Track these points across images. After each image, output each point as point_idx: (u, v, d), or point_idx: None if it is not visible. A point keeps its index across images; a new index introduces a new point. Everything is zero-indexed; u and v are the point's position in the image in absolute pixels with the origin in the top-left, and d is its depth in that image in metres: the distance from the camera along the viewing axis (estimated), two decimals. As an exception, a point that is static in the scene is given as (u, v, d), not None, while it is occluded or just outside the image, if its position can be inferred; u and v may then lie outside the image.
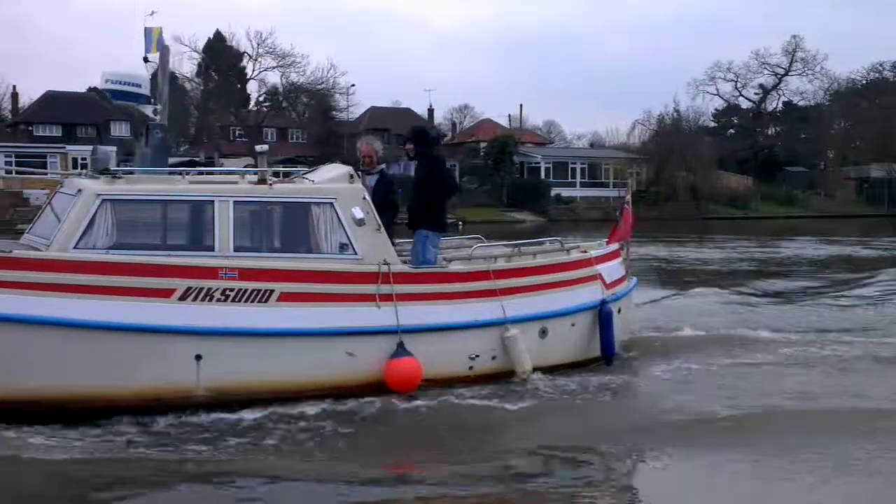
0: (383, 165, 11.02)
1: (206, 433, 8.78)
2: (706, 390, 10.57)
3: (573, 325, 11.11)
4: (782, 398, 10.26)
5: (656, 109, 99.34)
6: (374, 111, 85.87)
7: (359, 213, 9.84)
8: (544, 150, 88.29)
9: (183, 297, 8.96)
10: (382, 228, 10.01)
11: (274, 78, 73.18)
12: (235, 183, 9.84)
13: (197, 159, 60.64)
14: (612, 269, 11.90)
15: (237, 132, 79.07)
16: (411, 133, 11.42)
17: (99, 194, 9.08)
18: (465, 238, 12.10)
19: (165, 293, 8.91)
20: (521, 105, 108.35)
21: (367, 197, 10.06)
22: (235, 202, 9.45)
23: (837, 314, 17.01)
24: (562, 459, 8.61)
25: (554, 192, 75.27)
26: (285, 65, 71.51)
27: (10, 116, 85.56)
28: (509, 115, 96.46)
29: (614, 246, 12.39)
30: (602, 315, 11.22)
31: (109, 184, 9.26)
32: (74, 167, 56.94)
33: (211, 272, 9.10)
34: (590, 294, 11.28)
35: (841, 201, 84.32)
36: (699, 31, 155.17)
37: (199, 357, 9.01)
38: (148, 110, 9.85)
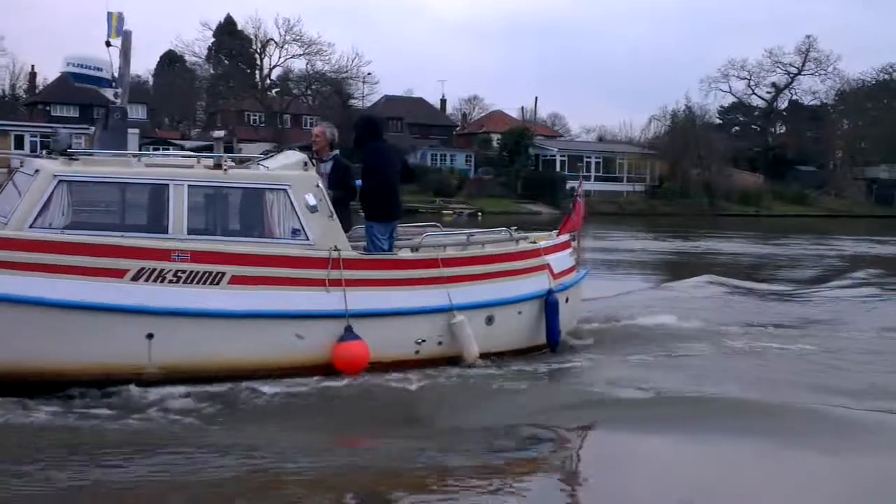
0: (337, 151, 11.24)
1: (153, 407, 9.05)
2: (640, 375, 10.98)
3: (519, 312, 11.42)
4: (711, 385, 10.73)
5: (662, 104, 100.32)
6: (388, 100, 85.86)
7: (312, 200, 10.08)
8: (559, 143, 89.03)
9: (135, 278, 9.19)
10: (335, 215, 10.26)
11: (300, 64, 72.97)
12: (191, 167, 10.08)
13: (219, 140, 61.22)
14: (560, 260, 12.20)
15: (259, 118, 78.92)
16: (354, 125, 11.66)
17: (56, 175, 9.28)
18: (425, 225, 12.35)
19: (118, 273, 9.14)
20: (535, 98, 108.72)
21: (321, 184, 10.31)
22: (190, 186, 9.67)
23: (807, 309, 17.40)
24: (505, 435, 8.90)
25: (568, 185, 75.29)
26: (311, 52, 71.14)
27: (24, 96, 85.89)
28: (522, 108, 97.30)
29: (564, 237, 12.69)
30: (548, 304, 11.54)
31: (66, 165, 9.47)
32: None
33: (163, 254, 9.33)
34: (537, 283, 11.58)
35: (850, 201, 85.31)
36: (703, 25, 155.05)
37: (150, 336, 9.27)
38: (109, 93, 10.04)
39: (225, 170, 10.00)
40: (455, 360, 10.73)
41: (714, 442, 8.94)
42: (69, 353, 9.02)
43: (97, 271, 9.08)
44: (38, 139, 59.69)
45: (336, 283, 10.03)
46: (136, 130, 65.23)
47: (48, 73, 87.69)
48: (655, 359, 11.84)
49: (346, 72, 73.96)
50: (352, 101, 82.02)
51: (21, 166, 10.06)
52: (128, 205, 9.94)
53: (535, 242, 12.05)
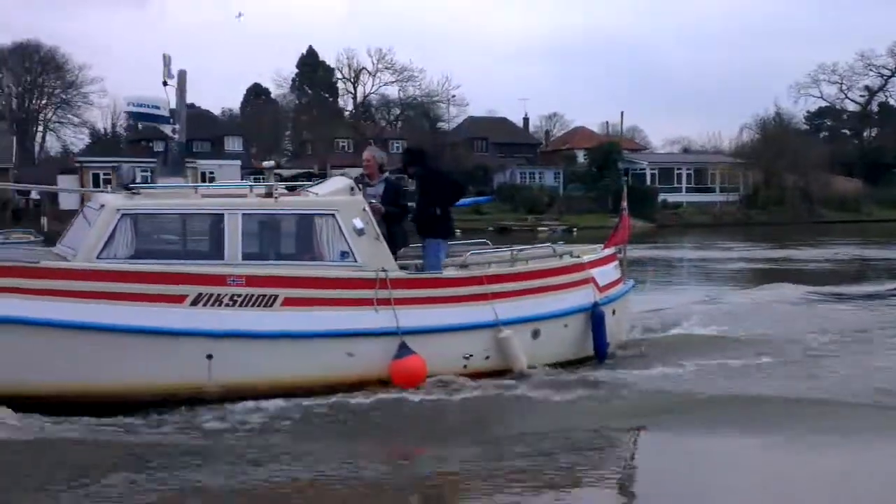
0: (387, 173, 11.72)
1: (221, 422, 9.57)
2: (693, 383, 11.20)
3: (566, 325, 11.71)
4: (767, 390, 10.87)
5: (743, 113, 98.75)
6: (471, 121, 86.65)
7: (359, 224, 10.56)
8: (649, 156, 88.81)
9: (194, 303, 9.78)
10: (382, 237, 10.72)
11: (392, 91, 74.62)
12: (244, 196, 10.67)
13: (312, 171, 62.85)
14: (605, 273, 12.45)
15: (347, 144, 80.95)
16: (402, 155, 12.15)
17: (119, 209, 9.96)
18: (473, 243, 12.73)
19: (178, 299, 9.73)
20: (621, 112, 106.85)
21: (367, 208, 10.78)
22: (244, 214, 10.25)
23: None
24: (561, 442, 9.27)
25: (660, 197, 75.69)
26: (403, 79, 72.68)
27: (124, 134, 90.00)
28: (607, 123, 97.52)
29: (610, 251, 12.90)
30: (595, 316, 11.80)
31: (129, 199, 10.14)
32: (203, 180, 60.16)
33: (220, 279, 9.90)
34: (582, 297, 11.86)
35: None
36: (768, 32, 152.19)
37: (210, 356, 9.82)
38: (167, 129, 10.73)
39: (276, 198, 10.55)
40: (503, 375, 11.02)
41: (762, 441, 9.16)
42: (135, 374, 9.61)
43: (159, 297, 9.68)
44: (148, 174, 62.16)
45: (384, 302, 10.45)
46: (238, 162, 67.69)
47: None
48: (705, 366, 11.95)
49: (437, 95, 75.05)
50: (439, 124, 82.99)
51: (90, 201, 10.79)
52: (187, 233, 10.55)
53: (578, 257, 12.30)
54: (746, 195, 79.71)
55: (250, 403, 9.87)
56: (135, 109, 10.64)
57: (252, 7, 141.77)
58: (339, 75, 73.65)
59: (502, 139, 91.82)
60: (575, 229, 63.19)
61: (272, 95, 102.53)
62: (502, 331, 10.97)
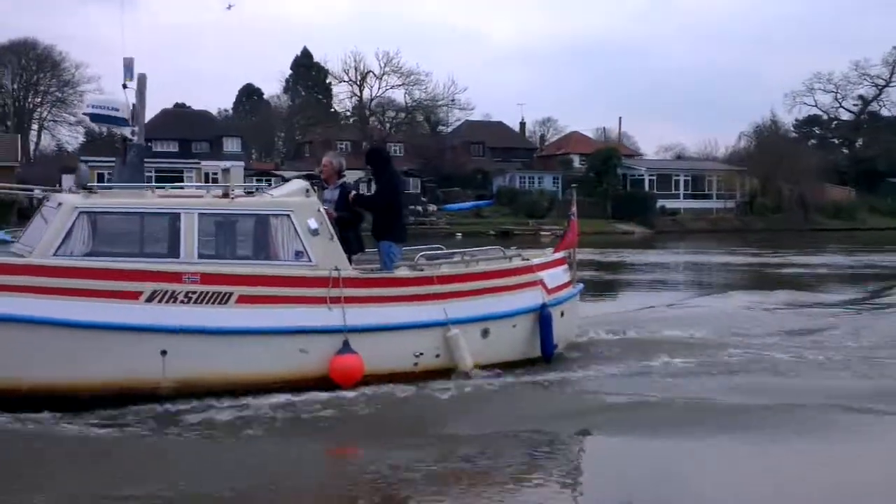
0: (344, 179, 12.02)
1: (173, 419, 9.78)
2: (638, 384, 11.51)
3: (514, 326, 12.00)
4: (698, 391, 11.20)
5: (737, 120, 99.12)
6: (469, 124, 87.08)
7: (313, 224, 10.84)
8: (647, 162, 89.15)
9: (150, 299, 10.02)
10: (336, 238, 11.00)
11: (398, 94, 74.92)
12: (201, 196, 10.95)
13: (312, 172, 63.14)
14: (554, 276, 12.75)
15: (346, 147, 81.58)
16: (366, 155, 12.44)
17: (76, 207, 10.19)
18: (430, 247, 13.00)
19: (133, 295, 9.98)
20: (619, 118, 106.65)
21: (322, 209, 11.06)
22: (200, 214, 10.52)
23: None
24: (503, 442, 9.49)
25: (658, 203, 76.39)
26: (410, 83, 73.04)
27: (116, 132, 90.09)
28: (604, 129, 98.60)
29: (559, 255, 13.18)
30: (542, 317, 12.09)
31: (86, 198, 10.39)
32: (207, 181, 60.76)
33: (175, 276, 10.15)
34: (531, 298, 12.15)
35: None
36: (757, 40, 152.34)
37: (164, 352, 10.05)
38: (126, 132, 11.01)
39: (232, 198, 10.83)
40: (453, 372, 11.30)
41: (704, 443, 9.42)
42: (90, 370, 9.81)
43: (114, 294, 9.92)
44: (152, 174, 62.68)
45: (337, 300, 10.73)
46: (241, 164, 68.17)
47: (149, 112, 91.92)
48: (652, 368, 12.30)
49: (442, 99, 75.41)
50: (440, 128, 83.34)
51: (47, 201, 11.06)
52: (144, 233, 10.77)
53: (528, 260, 12.58)
54: (743, 202, 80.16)
55: (200, 402, 10.07)
56: (94, 111, 10.93)
57: (246, 6, 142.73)
58: (344, 77, 73.85)
59: (499, 143, 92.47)
60: None
61: (265, 96, 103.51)
62: (450, 329, 11.25)
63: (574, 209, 13.56)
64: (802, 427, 9.89)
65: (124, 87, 10.86)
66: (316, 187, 11.57)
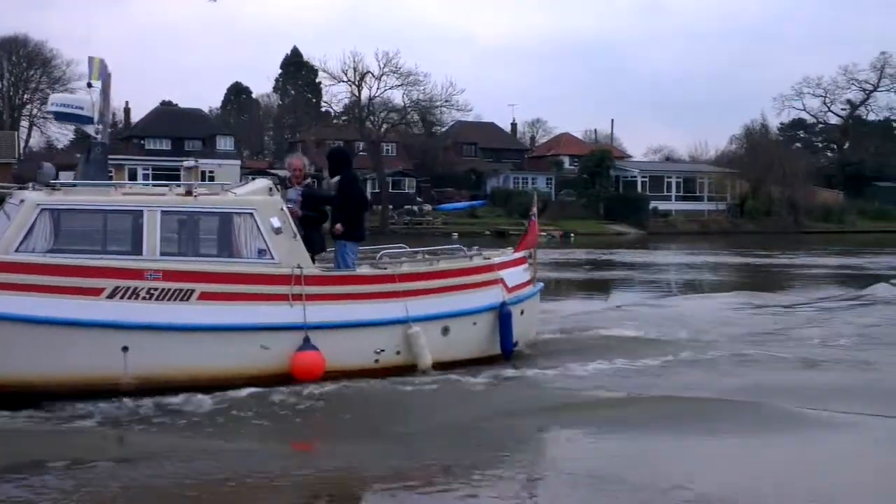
0: (309, 180, 12.16)
1: (135, 416, 9.88)
2: (591, 380, 11.74)
3: (474, 323, 12.16)
4: (656, 388, 11.42)
5: (722, 123, 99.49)
6: (460, 125, 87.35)
7: (276, 223, 10.98)
8: (640, 163, 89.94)
9: (111, 296, 10.14)
10: (299, 236, 11.13)
11: (396, 95, 75.00)
12: (163, 195, 11.08)
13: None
14: (514, 275, 12.89)
15: (360, 147, 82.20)
16: (327, 156, 12.58)
17: (38, 204, 10.30)
18: (390, 246, 13.16)
19: (95, 292, 10.09)
20: (612, 120, 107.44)
21: (285, 208, 11.19)
22: (163, 212, 10.65)
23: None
24: (464, 438, 9.64)
25: (651, 205, 77.02)
26: (409, 83, 73.22)
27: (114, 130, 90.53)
28: (595, 131, 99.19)
29: (520, 254, 13.35)
30: (502, 315, 12.25)
31: (48, 195, 10.50)
32: (203, 179, 60.08)
33: (137, 273, 10.28)
34: (491, 296, 12.31)
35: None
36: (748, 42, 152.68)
37: (125, 349, 10.17)
38: (90, 130, 11.14)
39: (195, 196, 10.95)
40: (414, 369, 11.45)
41: (656, 438, 9.55)
42: (52, 366, 9.93)
43: (75, 290, 10.02)
44: (150, 172, 63.00)
45: (298, 297, 10.86)
46: (238, 163, 68.40)
47: (141, 110, 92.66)
48: (609, 366, 12.49)
49: (440, 100, 75.55)
50: (434, 128, 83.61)
51: (10, 197, 11.19)
52: (107, 230, 10.85)
53: (488, 258, 12.73)
54: (734, 204, 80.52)
55: (162, 398, 10.17)
56: (58, 109, 11.08)
57: (230, 3, 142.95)
58: (343, 77, 73.80)
59: (491, 144, 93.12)
60: (573, 235, 63.79)
61: (253, 95, 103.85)
62: (411, 327, 11.39)
63: (535, 210, 13.77)
64: (760, 421, 10.02)
65: (89, 85, 11.00)
66: (279, 186, 11.69)
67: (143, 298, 10.27)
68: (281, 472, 8.53)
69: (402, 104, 75.07)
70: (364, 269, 11.79)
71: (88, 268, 10.19)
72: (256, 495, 7.95)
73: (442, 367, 11.63)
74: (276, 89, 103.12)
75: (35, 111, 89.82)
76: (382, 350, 11.38)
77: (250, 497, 7.93)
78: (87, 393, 10.06)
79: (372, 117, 75.92)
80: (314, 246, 11.65)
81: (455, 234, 58.56)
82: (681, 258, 42.46)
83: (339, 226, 11.85)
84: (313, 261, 11.43)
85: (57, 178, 10.75)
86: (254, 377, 10.63)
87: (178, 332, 10.41)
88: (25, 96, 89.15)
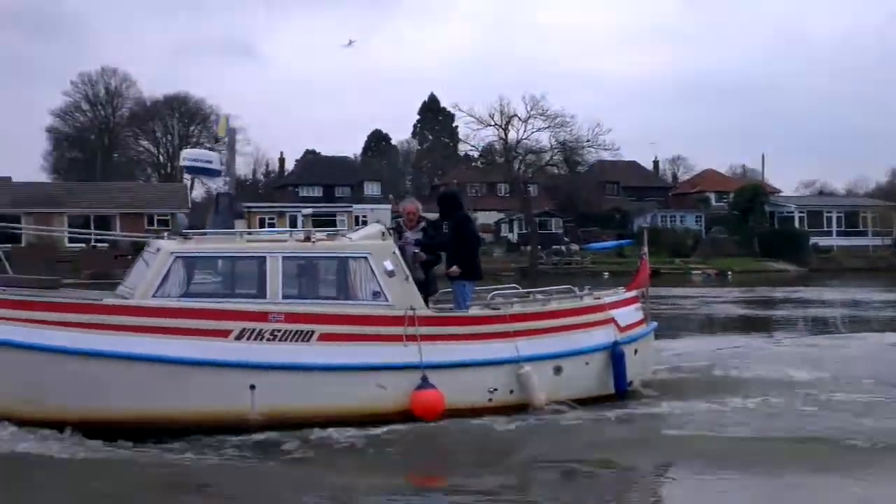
0: (424, 223, 12.58)
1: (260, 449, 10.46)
2: (707, 422, 11.55)
3: (587, 363, 12.26)
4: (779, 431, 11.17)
5: (880, 153, 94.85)
6: (602, 164, 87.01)
7: (389, 266, 11.43)
8: (796, 198, 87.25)
9: (239, 337, 10.78)
10: (411, 279, 11.54)
11: (543, 136, 75.89)
12: (284, 241, 11.71)
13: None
14: (627, 314, 12.93)
15: (479, 189, 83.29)
16: (438, 199, 12.97)
17: (172, 252, 11.07)
18: (502, 287, 13.38)
19: (224, 333, 10.76)
20: (762, 155, 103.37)
21: (397, 252, 11.63)
22: (284, 257, 11.26)
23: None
24: (579, 473, 9.86)
25: (810, 241, 74.39)
26: (556, 125, 74.01)
27: (261, 179, 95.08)
28: (743, 166, 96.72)
29: (631, 294, 13.35)
30: (615, 355, 12.30)
31: (181, 244, 11.29)
32: (356, 224, 63.44)
33: (262, 316, 10.89)
34: (602, 336, 12.41)
35: None
36: None
37: (252, 387, 10.78)
38: (218, 182, 11.92)
39: (313, 242, 11.54)
40: (527, 408, 11.63)
41: (778, 479, 9.48)
42: (186, 402, 10.60)
43: (207, 332, 10.71)
44: (310, 219, 66.11)
45: (413, 338, 11.25)
46: (388, 206, 70.83)
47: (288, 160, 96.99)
48: (731, 406, 12.28)
49: (588, 141, 75.59)
50: (579, 168, 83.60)
51: (148, 246, 12.04)
52: (233, 275, 11.60)
53: (599, 298, 12.78)
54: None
55: (286, 434, 10.67)
56: (189, 163, 11.91)
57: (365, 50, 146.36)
58: (490, 121, 74.99)
59: (633, 182, 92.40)
60: (730, 273, 62.28)
61: (392, 141, 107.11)
62: (523, 366, 11.59)
63: (645, 249, 13.75)
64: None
65: (216, 140, 11.76)
66: (392, 230, 12.16)
67: (268, 339, 10.85)
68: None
69: (549, 145, 75.59)
70: (476, 310, 12.08)
71: (218, 311, 10.86)
72: None
73: (556, 405, 11.77)
74: (414, 135, 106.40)
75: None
76: (496, 389, 11.62)
77: None
78: (216, 429, 10.66)
79: (519, 159, 76.64)
80: (429, 287, 12.04)
81: (606, 274, 58.06)
82: (863, 295, 40.63)
83: (455, 268, 12.20)
84: (427, 302, 11.80)
85: (189, 227, 11.52)
86: (373, 415, 11.04)
87: (300, 372, 10.93)
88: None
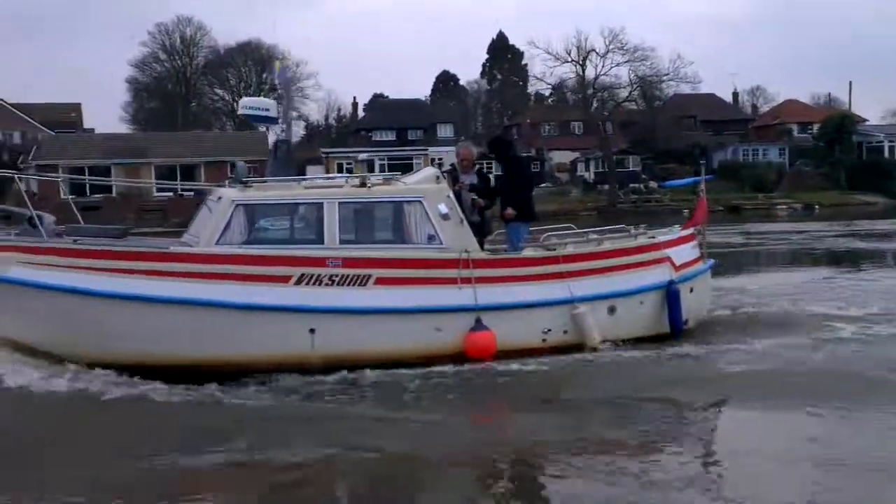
0: (478, 166, 12.68)
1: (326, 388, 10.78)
2: (768, 357, 11.59)
3: (641, 302, 12.30)
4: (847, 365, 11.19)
5: None
6: (678, 98, 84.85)
7: (444, 209, 11.58)
8: (886, 127, 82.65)
9: (298, 282, 11.09)
10: (465, 222, 11.69)
11: (622, 71, 74.06)
12: (341, 187, 11.93)
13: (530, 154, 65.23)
14: (682, 253, 12.89)
15: (556, 127, 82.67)
16: (489, 143, 13.04)
17: (234, 200, 11.37)
18: (555, 227, 13.42)
19: (284, 279, 11.07)
20: (850, 82, 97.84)
21: (452, 195, 11.76)
22: (340, 203, 11.47)
23: None
24: (635, 412, 9.93)
25: None
26: (636, 59, 72.19)
27: (334, 125, 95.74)
28: (829, 95, 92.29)
29: (687, 231, 13.28)
30: (670, 294, 12.31)
31: (242, 192, 11.59)
32: (432, 164, 63.82)
33: (320, 261, 11.17)
34: (657, 275, 12.41)
35: None
36: None
37: (312, 330, 11.10)
38: (276, 129, 12.17)
39: (369, 187, 11.74)
40: (581, 348, 11.77)
41: (840, 412, 9.47)
42: (249, 346, 10.98)
43: (268, 278, 11.04)
44: (385, 162, 67.96)
45: (467, 280, 11.43)
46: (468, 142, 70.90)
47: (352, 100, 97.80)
48: (784, 343, 12.20)
49: (667, 74, 73.53)
50: (656, 103, 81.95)
51: (209, 195, 12.38)
52: (292, 221, 11.90)
53: (653, 237, 12.76)
54: None
55: (345, 374, 11.03)
56: (248, 112, 12.17)
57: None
58: (567, 57, 73.39)
59: (710, 116, 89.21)
60: (817, 206, 60.85)
61: (460, 82, 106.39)
62: (577, 307, 11.69)
63: (703, 186, 13.60)
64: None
65: (274, 89, 11.97)
66: (446, 174, 12.28)
67: (326, 284, 11.14)
68: (461, 441, 9.16)
69: (629, 80, 73.83)
70: (529, 252, 12.18)
71: (278, 257, 11.15)
72: (439, 463, 8.51)
73: (609, 344, 11.89)
74: (483, 75, 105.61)
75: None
76: (549, 329, 11.77)
77: (436, 466, 8.48)
78: (277, 371, 11.00)
79: (596, 96, 75.19)
80: (483, 229, 12.17)
81: (686, 211, 56.98)
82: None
83: (509, 210, 12.31)
84: (482, 244, 11.94)
85: (249, 175, 11.80)
86: (428, 356, 11.29)
87: (357, 315, 11.21)
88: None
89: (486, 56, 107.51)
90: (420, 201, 11.63)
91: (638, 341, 12.15)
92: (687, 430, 9.43)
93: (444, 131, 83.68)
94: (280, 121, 12.13)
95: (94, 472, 8.26)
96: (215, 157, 63.80)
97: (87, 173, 55.41)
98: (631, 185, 71.60)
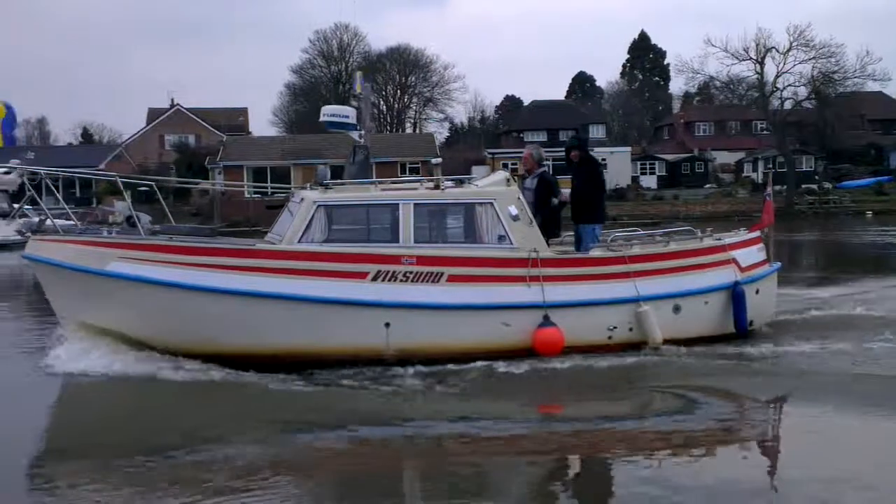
0: (543, 169, 13.13)
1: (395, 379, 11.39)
2: (833, 359, 11.76)
3: (706, 302, 12.59)
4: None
5: None
6: (840, 95, 77.72)
7: (514, 211, 12.08)
8: None
9: (375, 278, 11.68)
10: (534, 223, 12.16)
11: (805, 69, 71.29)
12: (416, 189, 12.52)
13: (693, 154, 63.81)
14: (748, 255, 13.14)
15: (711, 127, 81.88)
16: (573, 142, 13.41)
17: (315, 201, 12.04)
18: (627, 229, 13.75)
19: (361, 275, 11.68)
20: None
21: (522, 197, 12.24)
22: (415, 204, 12.08)
23: None
24: (696, 408, 10.21)
25: None
26: (821, 56, 69.46)
27: (478, 126, 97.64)
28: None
29: (753, 234, 13.48)
30: (735, 294, 12.57)
31: (323, 193, 12.25)
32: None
33: (395, 259, 11.75)
34: (722, 276, 12.70)
35: None
36: None
37: (387, 325, 11.68)
38: (355, 135, 12.82)
39: (442, 189, 12.30)
40: (647, 345, 12.12)
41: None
42: (328, 338, 11.61)
43: (346, 274, 11.68)
44: (550, 163, 67.38)
45: (535, 279, 11.90)
46: (629, 149, 72.81)
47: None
48: (850, 345, 12.34)
49: (854, 72, 70.07)
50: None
51: (292, 196, 13.09)
52: (369, 221, 12.49)
53: (720, 239, 12.99)
54: None
55: (419, 367, 11.58)
56: (329, 119, 12.83)
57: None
58: (746, 56, 70.89)
59: (879, 114, 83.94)
60: None
61: (596, 83, 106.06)
62: (641, 305, 12.04)
63: (769, 190, 13.75)
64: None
65: (354, 97, 12.63)
66: (515, 177, 12.76)
67: (401, 281, 11.71)
68: (525, 426, 9.66)
69: (811, 77, 70.10)
70: (596, 252, 12.57)
71: (356, 255, 11.76)
72: (505, 446, 9.01)
73: (674, 344, 12.22)
74: (623, 75, 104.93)
75: (414, 113, 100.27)
76: (615, 327, 12.16)
77: (504, 450, 8.97)
78: (354, 363, 11.63)
79: (775, 94, 71.60)
80: (551, 230, 12.60)
81: (868, 213, 55.10)
82: None
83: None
84: (549, 244, 12.37)
85: (330, 178, 12.48)
86: (498, 351, 11.78)
87: (430, 311, 11.76)
88: (405, 100, 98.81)
89: (627, 56, 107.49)
90: (491, 203, 12.13)
91: (702, 340, 12.44)
92: (748, 426, 9.74)
93: (596, 132, 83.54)
94: (359, 127, 12.76)
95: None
96: (386, 158, 64.06)
97: (269, 174, 59.59)
98: (804, 186, 67.70)
